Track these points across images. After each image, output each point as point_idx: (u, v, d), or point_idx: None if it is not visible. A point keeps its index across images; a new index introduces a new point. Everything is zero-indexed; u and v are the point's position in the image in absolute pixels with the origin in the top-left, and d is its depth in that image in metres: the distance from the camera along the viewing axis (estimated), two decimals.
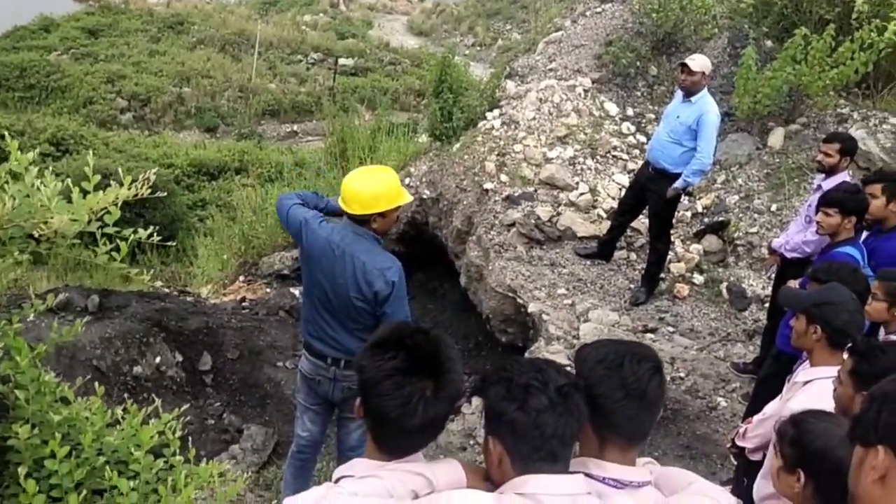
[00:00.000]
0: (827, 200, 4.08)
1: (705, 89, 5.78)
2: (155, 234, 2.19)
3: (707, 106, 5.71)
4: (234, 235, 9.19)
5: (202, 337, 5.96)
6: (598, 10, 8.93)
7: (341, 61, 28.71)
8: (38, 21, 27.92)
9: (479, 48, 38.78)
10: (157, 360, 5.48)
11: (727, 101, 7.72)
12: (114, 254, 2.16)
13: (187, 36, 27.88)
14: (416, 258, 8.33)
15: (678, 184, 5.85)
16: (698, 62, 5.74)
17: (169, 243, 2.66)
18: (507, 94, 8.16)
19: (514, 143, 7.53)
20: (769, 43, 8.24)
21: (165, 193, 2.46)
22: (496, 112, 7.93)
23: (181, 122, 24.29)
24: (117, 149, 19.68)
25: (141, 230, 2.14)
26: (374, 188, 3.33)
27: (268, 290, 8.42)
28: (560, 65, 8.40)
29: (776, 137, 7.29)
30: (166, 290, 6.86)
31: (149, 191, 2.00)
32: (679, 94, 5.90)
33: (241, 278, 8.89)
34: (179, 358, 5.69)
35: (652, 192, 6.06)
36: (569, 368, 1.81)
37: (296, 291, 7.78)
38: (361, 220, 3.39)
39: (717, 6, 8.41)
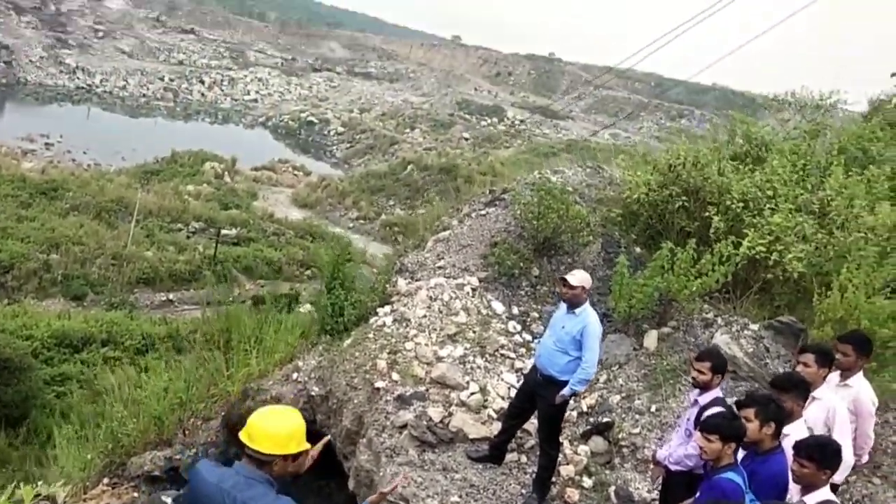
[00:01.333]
0: (706, 426, 4.31)
1: (587, 301, 6.17)
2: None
3: (589, 318, 6.06)
4: (101, 432, 8.49)
5: None
6: (483, 212, 9.53)
7: (224, 231, 28.68)
8: None
9: (362, 221, 39.90)
10: None
11: (604, 302, 8.24)
12: None
13: (61, 202, 27.13)
14: None
15: (565, 391, 6.06)
16: (577, 277, 6.15)
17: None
18: (397, 291, 8.35)
19: (405, 340, 7.62)
20: (638, 249, 9.01)
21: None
22: (387, 308, 8.06)
23: (46, 289, 23.04)
24: None
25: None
26: (289, 429, 3.28)
27: (135, 494, 7.75)
28: (448, 263, 8.76)
29: (651, 339, 7.78)
30: None
31: None
32: (563, 305, 6.25)
33: (106, 480, 8.14)
34: None
35: (541, 398, 6.23)
36: None
37: (167, 499, 7.19)
38: (262, 462, 3.27)
39: (590, 215, 9.19)
